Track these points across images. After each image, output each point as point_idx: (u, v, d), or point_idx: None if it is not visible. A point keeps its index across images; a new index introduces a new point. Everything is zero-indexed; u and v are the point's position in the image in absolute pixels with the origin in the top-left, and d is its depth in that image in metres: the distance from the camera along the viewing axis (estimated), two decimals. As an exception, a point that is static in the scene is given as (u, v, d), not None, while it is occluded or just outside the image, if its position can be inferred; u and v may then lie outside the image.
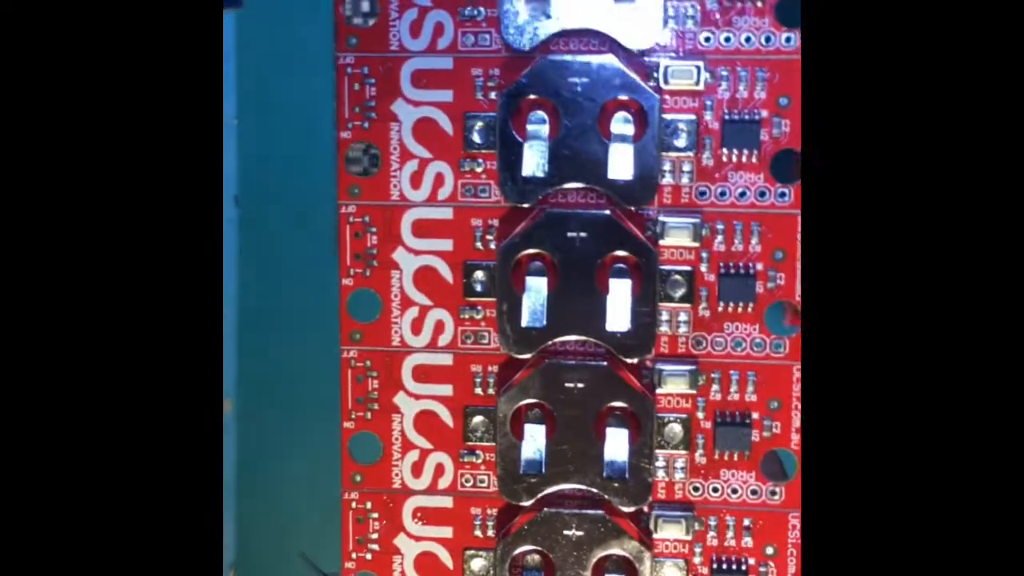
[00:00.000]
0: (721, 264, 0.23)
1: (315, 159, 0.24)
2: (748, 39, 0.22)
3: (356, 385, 0.23)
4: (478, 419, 0.23)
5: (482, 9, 0.22)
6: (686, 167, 0.23)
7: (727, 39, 0.22)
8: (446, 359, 0.23)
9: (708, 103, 0.23)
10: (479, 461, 0.23)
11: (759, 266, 0.23)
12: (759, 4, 0.22)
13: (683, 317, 0.23)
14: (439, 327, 0.23)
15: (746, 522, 0.24)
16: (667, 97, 0.22)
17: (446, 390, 0.23)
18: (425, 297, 0.23)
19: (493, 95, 0.22)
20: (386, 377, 0.23)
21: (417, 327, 0.23)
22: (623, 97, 0.22)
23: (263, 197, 0.26)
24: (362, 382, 0.23)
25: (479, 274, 0.23)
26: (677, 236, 0.23)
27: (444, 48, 0.23)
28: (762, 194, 0.23)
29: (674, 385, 0.23)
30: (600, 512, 0.23)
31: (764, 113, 0.22)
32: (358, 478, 0.23)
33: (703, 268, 0.23)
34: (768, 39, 0.22)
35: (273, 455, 0.23)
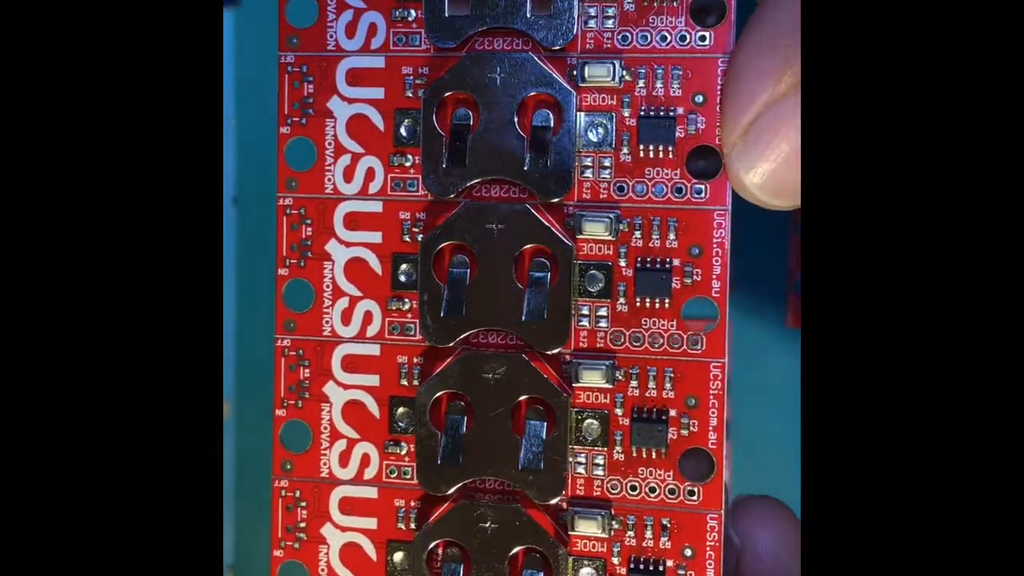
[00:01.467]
0: (638, 259, 0.23)
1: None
2: (664, 38, 0.23)
3: (289, 373, 0.24)
4: (403, 410, 0.24)
5: (412, 11, 0.23)
6: (605, 162, 0.23)
7: (644, 38, 0.23)
8: (374, 349, 0.24)
9: (625, 100, 0.23)
10: (403, 452, 0.24)
11: (675, 261, 0.23)
12: (674, 3, 0.22)
13: (601, 312, 0.23)
14: (367, 318, 0.24)
15: (664, 522, 0.23)
16: (585, 95, 0.23)
17: (373, 380, 0.24)
18: (355, 288, 0.24)
19: (421, 92, 0.23)
20: (317, 367, 0.24)
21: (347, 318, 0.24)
22: (540, 92, 0.22)
23: (263, 197, 0.26)
24: (295, 371, 0.24)
25: (405, 266, 0.24)
26: (594, 230, 0.23)
27: (377, 48, 0.24)
28: (679, 190, 0.23)
29: (590, 379, 0.23)
30: (516, 506, 0.23)
31: (680, 110, 0.23)
32: (288, 466, 0.24)
33: (621, 263, 0.23)
34: (683, 38, 0.23)
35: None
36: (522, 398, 0.23)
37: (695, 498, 0.23)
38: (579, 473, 0.23)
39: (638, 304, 0.23)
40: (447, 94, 0.23)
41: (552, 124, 0.22)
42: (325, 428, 0.24)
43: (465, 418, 0.23)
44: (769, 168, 0.21)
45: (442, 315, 0.22)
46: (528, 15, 0.22)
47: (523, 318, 0.22)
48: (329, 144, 0.24)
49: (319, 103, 0.24)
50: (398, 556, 0.23)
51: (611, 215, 0.23)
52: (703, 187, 0.23)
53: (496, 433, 0.23)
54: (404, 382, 0.24)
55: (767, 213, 0.23)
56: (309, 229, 0.24)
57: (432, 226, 0.23)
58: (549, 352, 0.23)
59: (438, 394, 0.23)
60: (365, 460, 0.24)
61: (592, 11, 0.23)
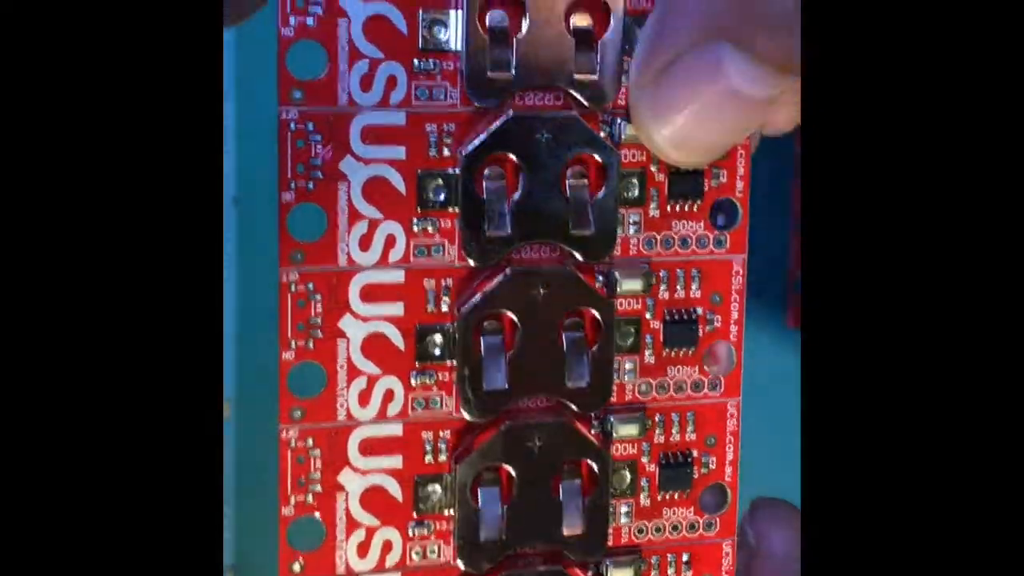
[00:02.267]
0: (666, 311, 0.24)
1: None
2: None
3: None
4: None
5: (436, 61, 0.22)
6: (633, 218, 0.23)
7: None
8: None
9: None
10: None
11: (699, 310, 0.24)
12: None
13: (628, 366, 0.24)
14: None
15: (685, 557, 0.24)
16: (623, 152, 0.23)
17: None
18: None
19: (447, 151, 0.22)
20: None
21: None
22: (585, 152, 0.22)
23: (263, 197, 0.25)
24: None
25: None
26: (632, 287, 0.23)
27: (397, 102, 0.22)
28: (702, 242, 0.24)
29: (626, 432, 0.24)
30: (559, 567, 0.23)
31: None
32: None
33: (648, 316, 0.24)
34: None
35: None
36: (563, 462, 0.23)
37: (712, 530, 0.24)
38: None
39: (664, 354, 0.24)
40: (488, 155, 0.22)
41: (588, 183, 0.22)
42: (342, 367, 0.22)
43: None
44: (679, 121, 0.20)
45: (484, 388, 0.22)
46: (573, 74, 0.22)
47: (568, 384, 0.23)
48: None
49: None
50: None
51: (644, 267, 0.23)
52: (724, 237, 0.24)
53: (539, 499, 0.23)
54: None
55: (767, 214, 0.23)
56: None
57: (471, 294, 0.22)
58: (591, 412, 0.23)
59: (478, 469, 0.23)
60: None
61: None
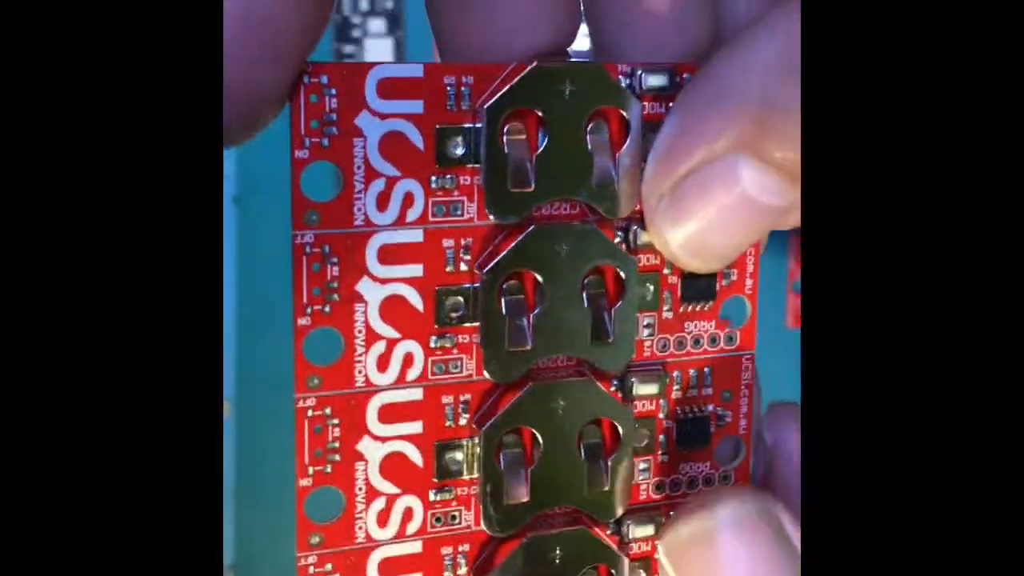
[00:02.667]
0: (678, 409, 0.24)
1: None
2: None
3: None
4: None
5: (453, 177, 0.22)
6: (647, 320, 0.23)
7: None
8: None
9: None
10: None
11: (710, 407, 0.24)
12: None
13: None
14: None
15: None
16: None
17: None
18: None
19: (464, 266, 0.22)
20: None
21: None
22: (605, 263, 0.22)
23: (263, 197, 0.25)
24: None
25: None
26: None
27: (414, 220, 0.21)
28: (713, 340, 0.24)
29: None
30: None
31: None
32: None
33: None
34: None
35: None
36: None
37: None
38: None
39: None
40: (509, 270, 0.22)
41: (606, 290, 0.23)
42: (360, 332, 0.21)
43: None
44: (693, 228, 0.21)
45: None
46: (593, 186, 0.22)
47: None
48: (359, 332, 0.21)
49: (346, 286, 0.21)
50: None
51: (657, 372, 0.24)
52: (735, 334, 0.24)
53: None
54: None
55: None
56: (336, 431, 0.22)
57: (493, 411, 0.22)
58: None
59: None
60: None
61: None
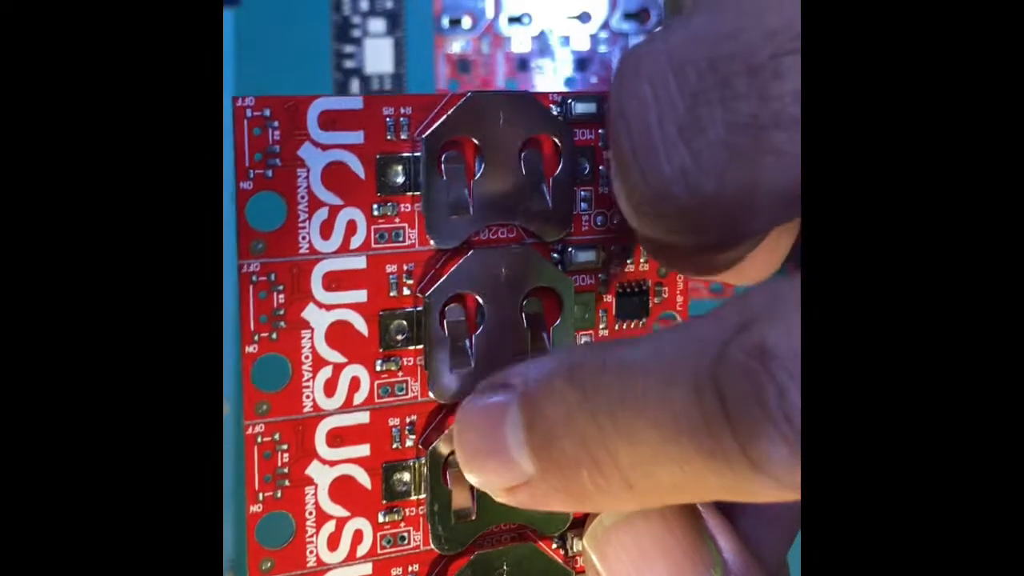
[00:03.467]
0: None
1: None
2: None
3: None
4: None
5: (394, 205, 0.22)
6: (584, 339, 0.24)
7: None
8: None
9: (602, 278, 0.24)
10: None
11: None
12: None
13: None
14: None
15: None
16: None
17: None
18: None
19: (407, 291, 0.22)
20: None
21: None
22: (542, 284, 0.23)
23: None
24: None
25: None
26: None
27: (357, 247, 0.22)
28: None
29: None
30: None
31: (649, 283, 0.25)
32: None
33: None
34: None
35: None
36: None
37: None
38: None
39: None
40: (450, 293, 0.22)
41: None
42: (307, 357, 0.22)
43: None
44: None
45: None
46: (529, 210, 0.23)
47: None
48: (306, 358, 0.22)
49: (292, 313, 0.22)
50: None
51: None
52: None
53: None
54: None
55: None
56: (286, 456, 0.22)
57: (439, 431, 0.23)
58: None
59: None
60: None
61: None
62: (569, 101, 0.23)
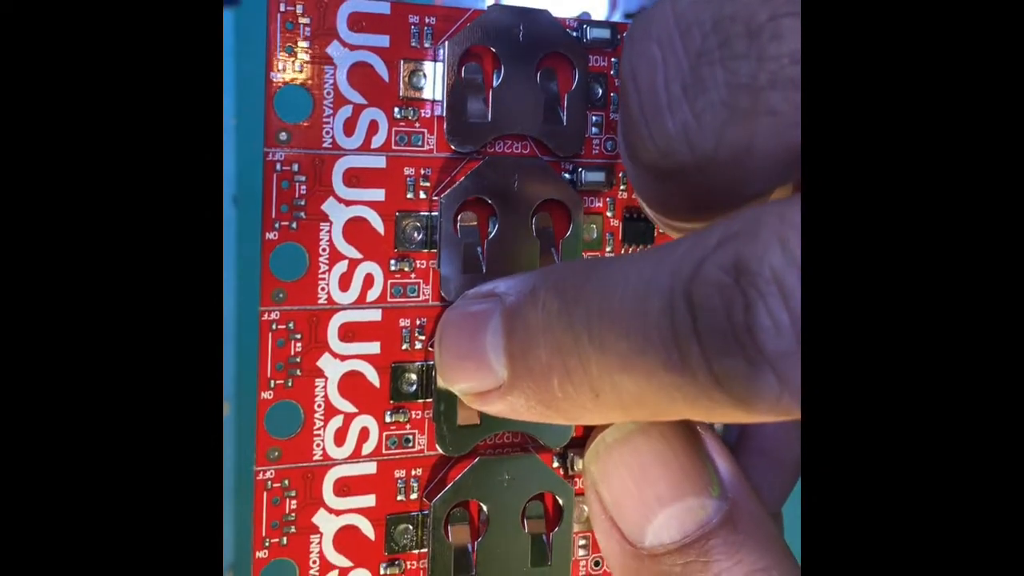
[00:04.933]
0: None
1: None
2: None
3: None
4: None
5: (415, 110, 0.23)
6: None
7: None
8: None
9: (610, 202, 0.25)
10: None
11: None
12: None
13: None
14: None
15: None
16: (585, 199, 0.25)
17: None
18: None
19: (423, 194, 0.23)
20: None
21: None
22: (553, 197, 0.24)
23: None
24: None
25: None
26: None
27: (378, 147, 0.23)
28: None
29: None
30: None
31: None
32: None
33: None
34: None
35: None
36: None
37: None
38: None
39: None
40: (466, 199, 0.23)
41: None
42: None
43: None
44: None
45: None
46: (543, 123, 0.23)
47: None
48: (324, 250, 0.22)
49: (312, 206, 0.22)
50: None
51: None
52: None
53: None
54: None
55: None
56: (299, 344, 0.22)
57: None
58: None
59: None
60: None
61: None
62: (585, 26, 0.24)
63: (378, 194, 0.23)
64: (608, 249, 0.25)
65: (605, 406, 0.18)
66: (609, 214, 0.25)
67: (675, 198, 0.19)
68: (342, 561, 0.23)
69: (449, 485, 0.23)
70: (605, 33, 0.24)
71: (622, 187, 0.25)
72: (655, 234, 0.25)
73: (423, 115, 0.23)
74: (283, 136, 0.22)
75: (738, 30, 0.17)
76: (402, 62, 0.22)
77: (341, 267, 0.22)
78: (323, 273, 0.22)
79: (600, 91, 0.24)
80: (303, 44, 0.22)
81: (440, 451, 0.23)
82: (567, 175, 0.24)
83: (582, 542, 0.25)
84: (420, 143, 0.23)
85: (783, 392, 0.16)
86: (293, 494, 0.22)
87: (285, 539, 0.22)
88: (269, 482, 0.22)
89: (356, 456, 0.23)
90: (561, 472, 0.25)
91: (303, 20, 0.22)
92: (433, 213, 0.23)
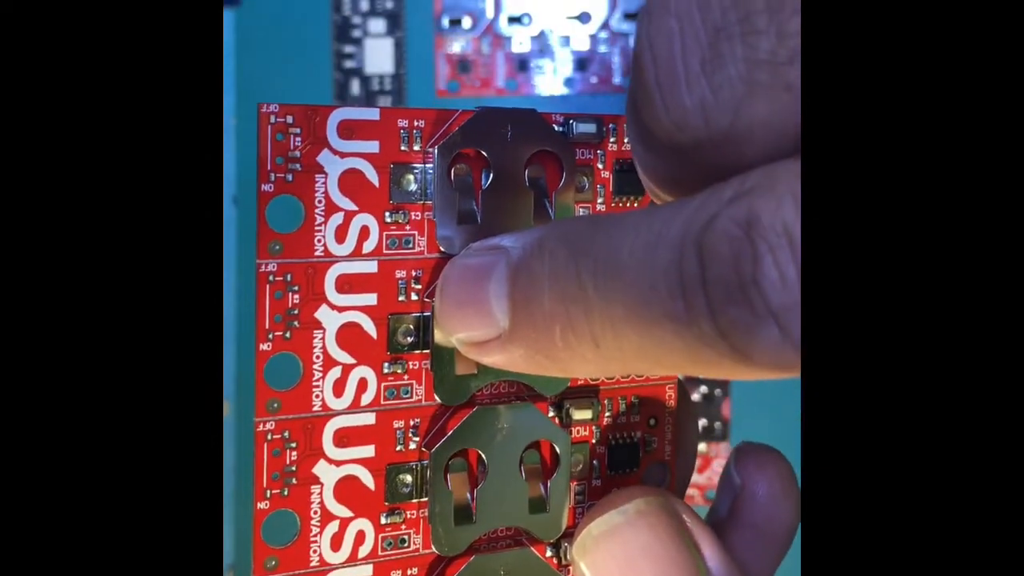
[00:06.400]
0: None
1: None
2: None
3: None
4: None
5: (405, 212, 0.23)
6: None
7: None
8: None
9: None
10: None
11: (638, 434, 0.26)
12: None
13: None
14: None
15: None
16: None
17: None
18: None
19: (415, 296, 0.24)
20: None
21: None
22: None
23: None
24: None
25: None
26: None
27: (369, 252, 0.23)
28: None
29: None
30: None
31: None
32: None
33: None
34: None
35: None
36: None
37: None
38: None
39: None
40: None
41: None
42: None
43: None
44: None
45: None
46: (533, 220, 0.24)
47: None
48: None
49: (306, 312, 0.23)
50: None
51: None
52: None
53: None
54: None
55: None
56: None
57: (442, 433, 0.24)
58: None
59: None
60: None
61: None
62: (571, 122, 0.25)
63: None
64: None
65: (605, 357, 0.19)
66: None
67: (683, 173, 0.19)
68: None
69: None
70: (591, 127, 0.25)
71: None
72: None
73: (413, 218, 0.23)
74: (276, 247, 0.22)
75: (758, 5, 0.17)
76: (391, 166, 0.23)
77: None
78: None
79: (587, 183, 0.25)
80: (294, 154, 0.22)
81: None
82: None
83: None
84: (411, 245, 0.23)
85: (784, 344, 0.16)
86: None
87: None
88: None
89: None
90: (555, 563, 0.25)
91: (293, 130, 0.22)
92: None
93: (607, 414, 0.26)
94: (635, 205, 0.26)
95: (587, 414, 0.25)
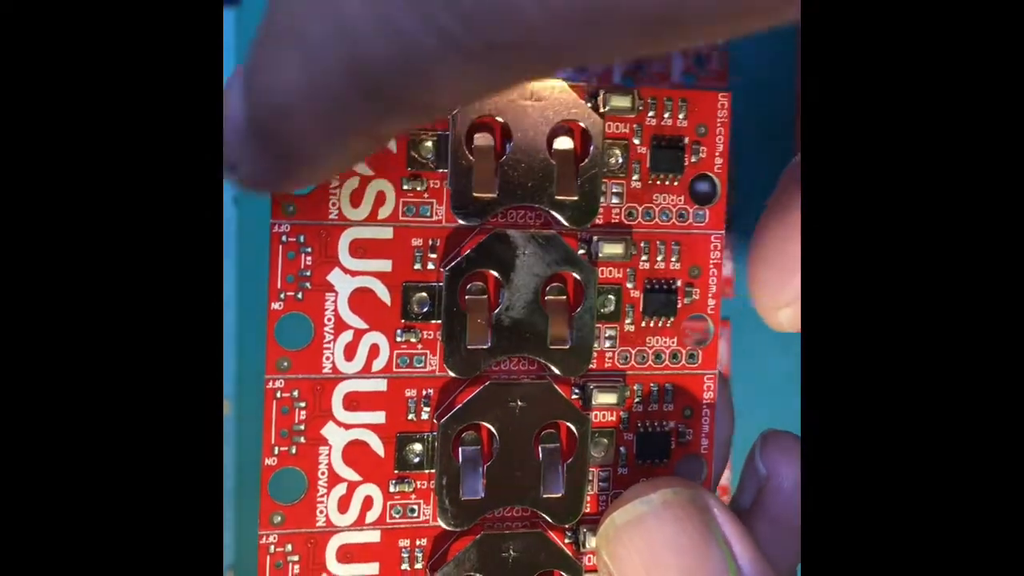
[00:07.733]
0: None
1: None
2: (665, 215, 0.25)
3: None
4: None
5: (425, 180, 0.23)
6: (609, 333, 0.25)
7: (647, 214, 0.25)
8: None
9: (630, 272, 0.25)
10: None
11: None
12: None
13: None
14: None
15: None
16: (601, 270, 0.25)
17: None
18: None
19: (431, 266, 0.24)
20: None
21: None
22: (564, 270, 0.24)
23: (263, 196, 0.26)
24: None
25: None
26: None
27: (385, 218, 0.23)
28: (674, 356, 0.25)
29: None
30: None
31: (678, 282, 0.25)
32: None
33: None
34: (682, 215, 0.25)
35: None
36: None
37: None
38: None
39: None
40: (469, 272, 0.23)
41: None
42: (329, 320, 0.23)
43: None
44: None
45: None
46: (554, 196, 0.24)
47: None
48: (329, 320, 0.23)
49: (318, 275, 0.23)
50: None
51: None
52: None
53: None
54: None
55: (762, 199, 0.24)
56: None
57: (448, 402, 0.24)
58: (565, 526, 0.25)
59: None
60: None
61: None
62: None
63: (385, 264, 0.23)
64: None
65: None
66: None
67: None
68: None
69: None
70: (626, 102, 0.24)
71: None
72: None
73: (431, 186, 0.23)
74: (290, 208, 0.22)
75: None
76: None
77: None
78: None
79: (622, 160, 0.25)
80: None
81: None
82: (583, 244, 0.24)
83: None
84: (428, 214, 0.23)
85: None
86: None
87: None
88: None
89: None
90: (572, 548, 0.25)
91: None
92: (440, 284, 0.23)
93: (636, 400, 0.25)
94: (675, 184, 0.25)
95: (611, 398, 0.24)
